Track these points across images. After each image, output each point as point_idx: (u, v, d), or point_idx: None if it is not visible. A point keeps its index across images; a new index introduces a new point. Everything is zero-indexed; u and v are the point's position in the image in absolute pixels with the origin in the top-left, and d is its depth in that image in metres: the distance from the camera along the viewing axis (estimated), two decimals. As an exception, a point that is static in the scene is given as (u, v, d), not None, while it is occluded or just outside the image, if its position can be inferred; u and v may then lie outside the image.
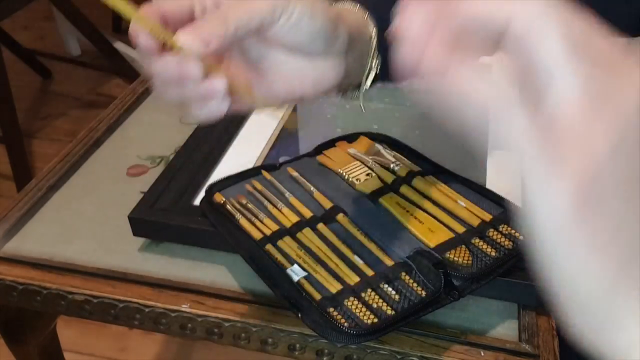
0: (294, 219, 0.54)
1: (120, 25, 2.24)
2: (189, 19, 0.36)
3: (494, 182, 0.62)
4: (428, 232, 0.52)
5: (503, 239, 0.51)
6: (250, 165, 0.65)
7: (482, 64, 0.28)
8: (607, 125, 0.23)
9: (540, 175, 0.24)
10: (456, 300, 0.47)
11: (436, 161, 0.66)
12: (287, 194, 0.57)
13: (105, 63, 1.86)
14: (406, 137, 0.69)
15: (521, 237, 0.44)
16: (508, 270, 0.50)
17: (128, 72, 1.81)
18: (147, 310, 0.53)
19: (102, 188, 0.65)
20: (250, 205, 0.55)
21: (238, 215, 0.54)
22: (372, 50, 0.44)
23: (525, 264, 0.51)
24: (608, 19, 0.33)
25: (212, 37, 0.34)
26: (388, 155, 0.61)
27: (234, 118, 0.71)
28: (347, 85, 0.46)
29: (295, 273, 0.48)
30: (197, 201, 0.59)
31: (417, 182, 0.57)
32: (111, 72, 1.95)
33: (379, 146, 0.63)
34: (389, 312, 0.46)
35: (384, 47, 0.44)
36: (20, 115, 1.66)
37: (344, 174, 0.58)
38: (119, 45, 1.84)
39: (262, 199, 0.56)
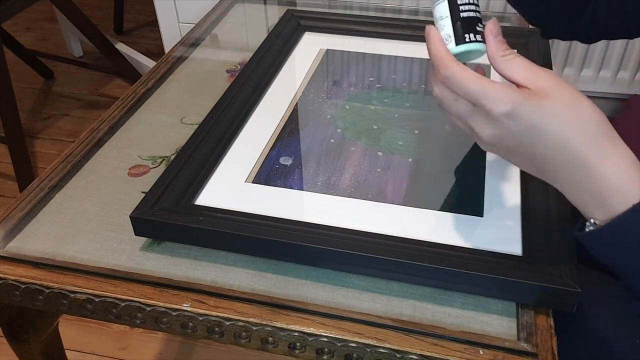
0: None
1: (121, 27, 2.24)
2: None
3: (493, 181, 0.63)
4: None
5: None
6: (250, 166, 0.65)
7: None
8: None
9: None
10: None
11: (434, 161, 0.66)
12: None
13: (107, 64, 1.86)
14: (406, 138, 0.70)
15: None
16: (507, 269, 0.51)
17: (129, 73, 1.81)
18: (148, 309, 0.53)
19: (103, 188, 0.65)
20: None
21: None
22: None
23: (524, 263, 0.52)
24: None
25: None
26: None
27: (234, 118, 0.71)
28: None
29: None
30: (198, 201, 0.60)
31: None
32: (113, 73, 1.95)
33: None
34: None
35: None
36: (23, 116, 1.66)
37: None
38: (121, 47, 1.84)
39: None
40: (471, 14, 0.47)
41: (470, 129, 0.46)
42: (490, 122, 0.44)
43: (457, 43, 0.47)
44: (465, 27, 0.47)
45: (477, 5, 0.48)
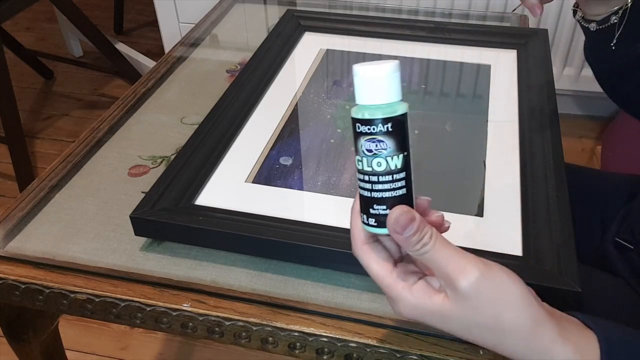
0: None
1: (121, 27, 2.24)
2: None
3: (493, 181, 0.63)
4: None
5: None
6: (250, 166, 0.65)
7: None
8: None
9: None
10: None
11: (434, 161, 0.66)
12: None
13: (107, 64, 1.86)
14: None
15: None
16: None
17: (129, 72, 1.81)
18: (148, 309, 0.53)
19: (103, 188, 0.65)
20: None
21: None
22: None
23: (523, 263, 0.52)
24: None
25: None
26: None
27: (234, 118, 0.71)
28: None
29: None
30: (198, 201, 0.60)
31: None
32: (113, 73, 1.96)
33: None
34: None
35: None
36: (23, 116, 1.66)
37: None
38: (121, 46, 1.84)
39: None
40: (365, 192, 0.38)
41: None
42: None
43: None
44: (361, 205, 0.39)
45: (377, 182, 0.37)
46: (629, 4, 0.57)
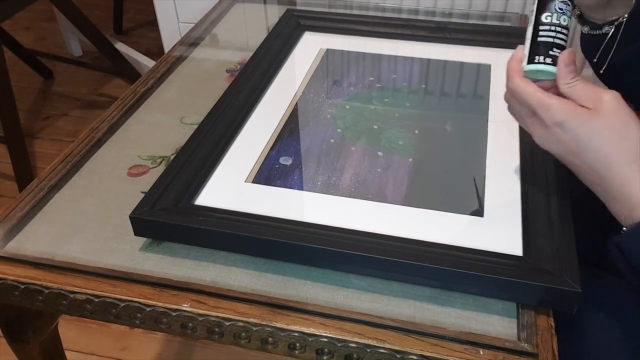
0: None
1: (121, 26, 2.24)
2: None
3: (493, 181, 0.63)
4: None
5: None
6: (250, 166, 0.65)
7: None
8: None
9: None
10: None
11: (434, 161, 0.66)
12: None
13: (107, 64, 1.86)
14: (406, 137, 0.70)
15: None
16: (507, 270, 0.51)
17: (129, 72, 1.81)
18: (148, 309, 0.53)
19: (103, 188, 0.65)
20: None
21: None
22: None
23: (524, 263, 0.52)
24: None
25: None
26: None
27: (234, 118, 0.71)
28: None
29: None
30: (197, 201, 0.60)
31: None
32: (112, 73, 1.95)
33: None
34: None
35: None
36: (22, 116, 1.66)
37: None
38: (120, 46, 1.84)
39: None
40: (548, 39, 0.52)
41: (527, 128, 0.53)
42: (543, 129, 0.51)
43: (527, 62, 0.53)
44: (537, 50, 0.53)
45: (559, 32, 0.52)
46: (625, 19, 0.57)
